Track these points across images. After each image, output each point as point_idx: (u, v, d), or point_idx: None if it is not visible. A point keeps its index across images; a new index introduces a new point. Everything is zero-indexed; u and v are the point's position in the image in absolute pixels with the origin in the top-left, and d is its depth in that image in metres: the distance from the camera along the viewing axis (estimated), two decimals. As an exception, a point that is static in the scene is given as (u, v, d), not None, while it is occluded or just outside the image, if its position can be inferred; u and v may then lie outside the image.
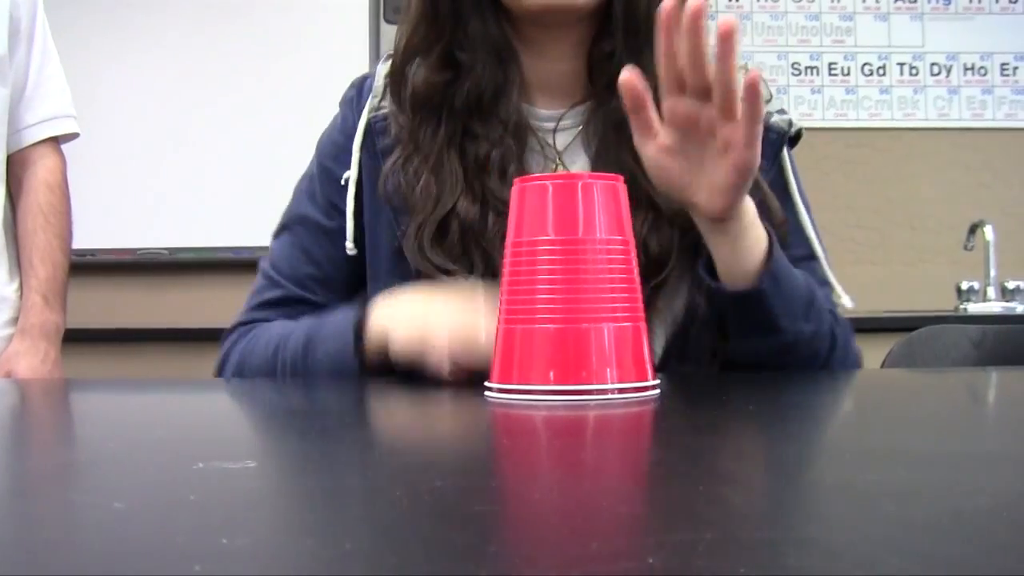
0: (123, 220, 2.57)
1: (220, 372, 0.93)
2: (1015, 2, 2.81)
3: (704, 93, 0.70)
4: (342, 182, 0.92)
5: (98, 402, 0.79)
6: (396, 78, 0.91)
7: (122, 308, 2.57)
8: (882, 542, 0.25)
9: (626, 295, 0.62)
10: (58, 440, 0.54)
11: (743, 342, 0.83)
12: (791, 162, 0.94)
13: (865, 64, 2.80)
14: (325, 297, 0.92)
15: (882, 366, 1.26)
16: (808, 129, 0.97)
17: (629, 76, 0.71)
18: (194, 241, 2.59)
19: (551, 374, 0.60)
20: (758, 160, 0.71)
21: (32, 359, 1.32)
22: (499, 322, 0.64)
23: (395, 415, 0.63)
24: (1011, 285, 2.47)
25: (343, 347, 0.81)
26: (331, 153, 0.95)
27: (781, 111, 0.93)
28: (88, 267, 2.41)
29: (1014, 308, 2.42)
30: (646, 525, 0.29)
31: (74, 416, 0.71)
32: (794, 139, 0.94)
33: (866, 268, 2.71)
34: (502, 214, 0.76)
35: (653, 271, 0.84)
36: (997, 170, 2.76)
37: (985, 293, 2.49)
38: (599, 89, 0.89)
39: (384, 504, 0.32)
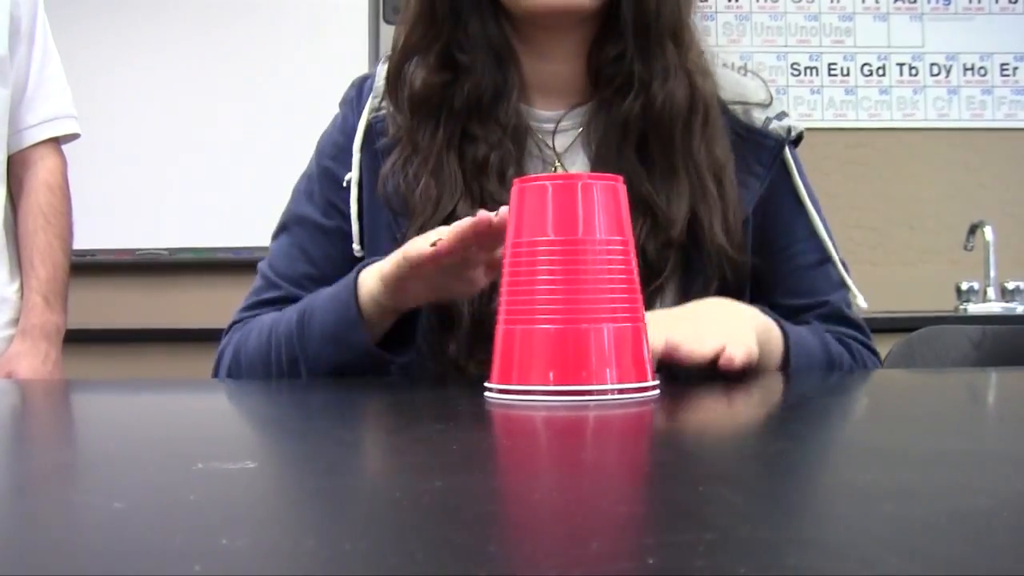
0: (123, 220, 2.57)
1: (216, 370, 0.93)
2: (1015, 2, 2.81)
3: None
4: (344, 183, 0.92)
5: (98, 402, 0.79)
6: (393, 78, 0.90)
7: (122, 308, 2.57)
8: (882, 542, 0.25)
9: (626, 295, 0.62)
10: (58, 440, 0.54)
11: None
12: (797, 166, 0.93)
13: (865, 64, 2.80)
14: None
15: (882, 366, 1.26)
16: (808, 129, 0.96)
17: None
18: (194, 241, 2.59)
19: (551, 374, 0.60)
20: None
21: (33, 360, 1.32)
22: (499, 322, 0.64)
23: (395, 415, 0.63)
24: (1011, 285, 2.47)
25: (338, 306, 0.81)
26: (331, 153, 0.95)
27: (781, 115, 0.92)
28: (88, 267, 2.41)
29: (1014, 308, 2.42)
30: (646, 525, 0.29)
31: (74, 416, 0.71)
32: (795, 141, 0.94)
33: (866, 268, 2.71)
34: None
35: (650, 276, 0.84)
36: (997, 170, 2.76)
37: (985, 293, 2.49)
38: (604, 91, 0.89)
39: (384, 504, 0.32)
